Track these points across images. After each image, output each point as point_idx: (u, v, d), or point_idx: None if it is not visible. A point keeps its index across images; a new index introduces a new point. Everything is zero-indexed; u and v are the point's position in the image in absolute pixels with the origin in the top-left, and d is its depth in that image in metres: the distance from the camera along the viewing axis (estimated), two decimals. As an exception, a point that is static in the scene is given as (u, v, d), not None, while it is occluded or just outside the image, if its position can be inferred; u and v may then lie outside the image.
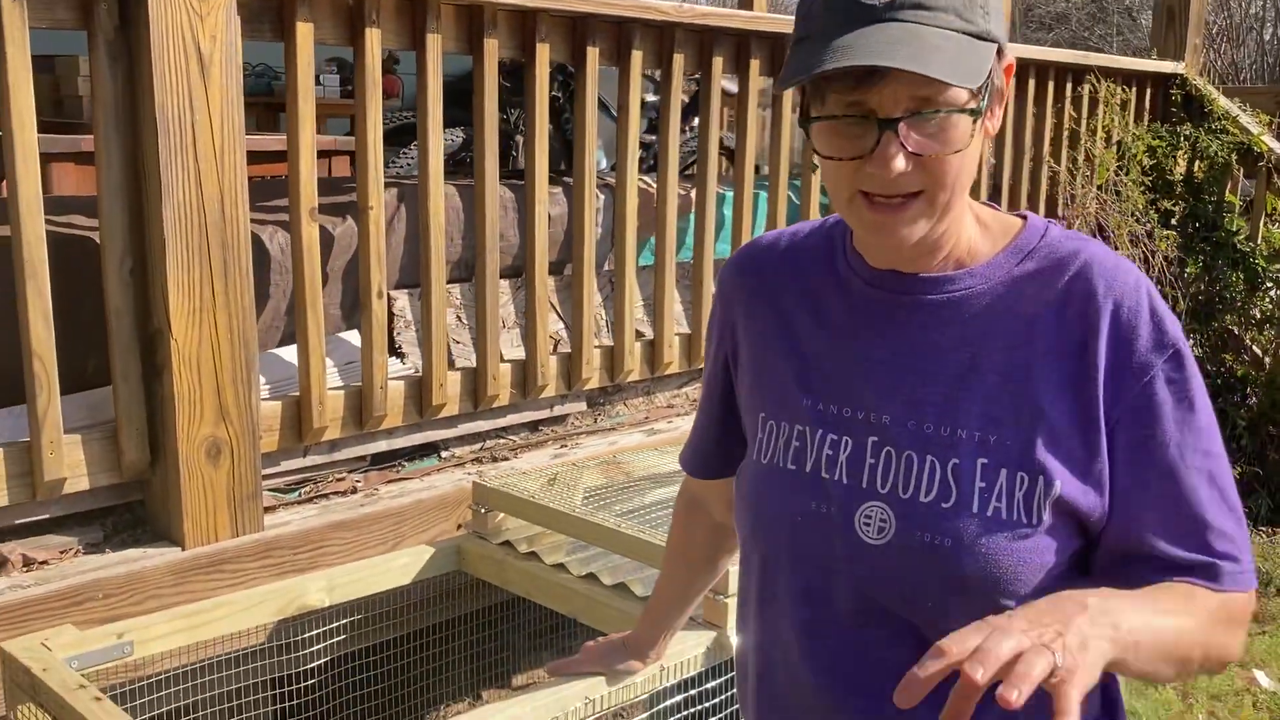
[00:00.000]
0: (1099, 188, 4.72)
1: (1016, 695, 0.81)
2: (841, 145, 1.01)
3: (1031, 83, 4.35)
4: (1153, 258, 4.74)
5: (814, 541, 1.12)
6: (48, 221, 2.41)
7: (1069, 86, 4.56)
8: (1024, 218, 1.14)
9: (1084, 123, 4.64)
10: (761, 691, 1.23)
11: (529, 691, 1.71)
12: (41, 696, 1.69)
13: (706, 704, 1.92)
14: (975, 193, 4.19)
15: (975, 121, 1.01)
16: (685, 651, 1.82)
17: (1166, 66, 5.14)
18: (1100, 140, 4.74)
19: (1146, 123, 5.07)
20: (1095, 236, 4.67)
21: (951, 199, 1.03)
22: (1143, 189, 4.81)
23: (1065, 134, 4.58)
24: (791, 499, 1.13)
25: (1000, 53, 1.04)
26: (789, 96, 3.40)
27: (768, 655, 1.21)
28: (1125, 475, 1.05)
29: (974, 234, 1.12)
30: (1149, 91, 5.10)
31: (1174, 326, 1.07)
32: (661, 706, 1.90)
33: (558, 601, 2.13)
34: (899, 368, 1.10)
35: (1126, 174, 4.80)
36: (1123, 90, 4.80)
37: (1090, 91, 4.64)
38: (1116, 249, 4.63)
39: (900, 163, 0.99)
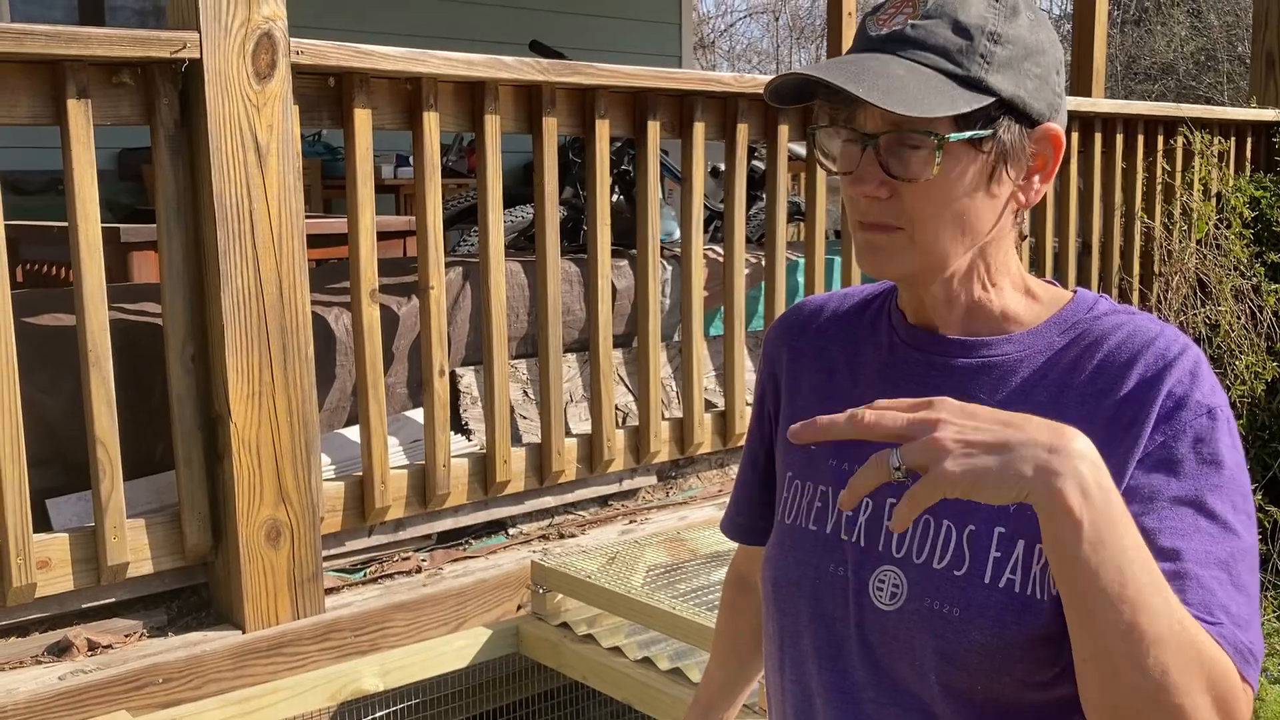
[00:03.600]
0: (1198, 242, 4.53)
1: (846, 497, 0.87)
2: (842, 160, 1.05)
3: (1119, 137, 4.22)
4: (1260, 313, 4.52)
5: (830, 605, 1.09)
6: (121, 309, 2.49)
7: (1160, 139, 4.41)
8: (1075, 292, 1.11)
9: (1179, 176, 4.47)
10: None
11: (573, 784, 1.65)
12: (89, 786, 1.69)
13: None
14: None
15: (954, 153, 0.99)
16: (739, 742, 1.74)
17: (1267, 114, 4.94)
18: (1198, 193, 4.57)
19: (1248, 173, 4.87)
20: (1195, 293, 4.48)
21: (936, 243, 1.02)
22: (1246, 242, 4.60)
23: (1159, 188, 4.43)
24: (809, 560, 1.11)
25: (1016, 113, 1.01)
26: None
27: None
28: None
29: (1016, 302, 1.09)
30: (1249, 140, 4.91)
31: (1213, 389, 1.00)
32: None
33: (612, 687, 2.07)
34: None
35: (1228, 227, 4.61)
36: (1219, 140, 4.62)
37: (1184, 143, 4.48)
38: (1219, 305, 4.43)
39: (871, 183, 1.00)
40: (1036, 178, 1.05)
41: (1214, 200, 4.64)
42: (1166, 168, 4.46)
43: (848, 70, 0.98)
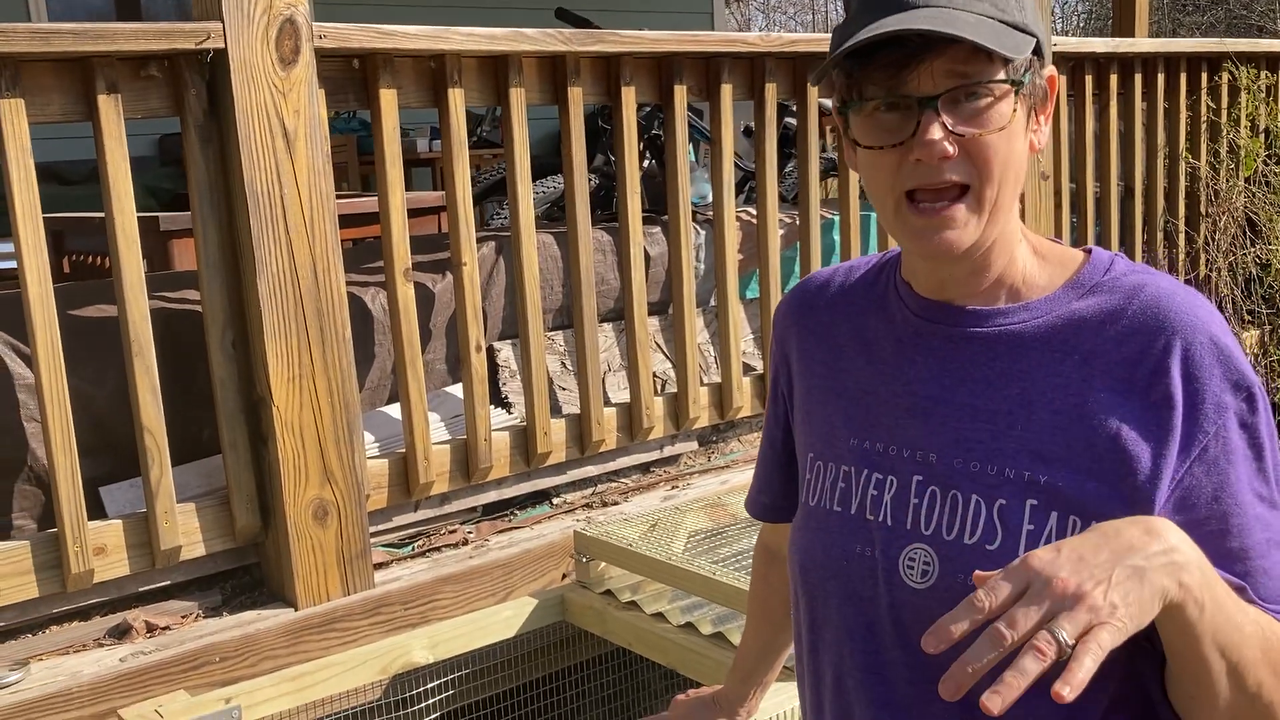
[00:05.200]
0: (1246, 180, 4.43)
1: (999, 701, 0.78)
2: (881, 135, 0.98)
3: (1161, 76, 4.13)
4: (1313, 250, 4.42)
5: (860, 586, 1.08)
6: (163, 298, 2.53)
7: (1204, 76, 4.31)
8: (1088, 252, 1.09)
9: (1224, 113, 4.37)
10: None
11: (618, 751, 1.68)
12: (151, 763, 1.75)
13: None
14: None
15: (1017, 99, 0.98)
16: (781, 704, 1.76)
17: (1317, 45, 4.80)
18: (1245, 129, 4.46)
19: (1298, 106, 4.74)
20: (1244, 232, 4.39)
21: (999, 197, 1.00)
22: (1297, 178, 4.49)
23: (1204, 126, 4.33)
24: (836, 542, 1.10)
25: (1040, 55, 1.02)
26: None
27: (815, 705, 1.17)
28: (1187, 519, 0.97)
29: (1030, 265, 1.07)
30: (1298, 73, 4.77)
31: (1245, 365, 1.00)
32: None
33: (656, 652, 2.10)
34: (946, 404, 1.06)
35: (1277, 163, 4.49)
36: (1266, 75, 4.50)
37: (1229, 79, 4.37)
38: (1269, 244, 4.34)
39: (942, 140, 0.95)
40: (1042, 119, 1.05)
41: (1262, 136, 4.52)
42: (1211, 105, 4.35)
43: (909, 24, 0.94)
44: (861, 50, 0.97)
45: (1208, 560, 0.87)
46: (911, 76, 0.96)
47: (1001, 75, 0.97)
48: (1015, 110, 0.98)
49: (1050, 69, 1.05)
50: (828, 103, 3.74)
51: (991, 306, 1.06)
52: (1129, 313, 1.01)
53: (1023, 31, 0.98)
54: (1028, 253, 1.07)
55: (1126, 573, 0.82)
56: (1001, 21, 0.97)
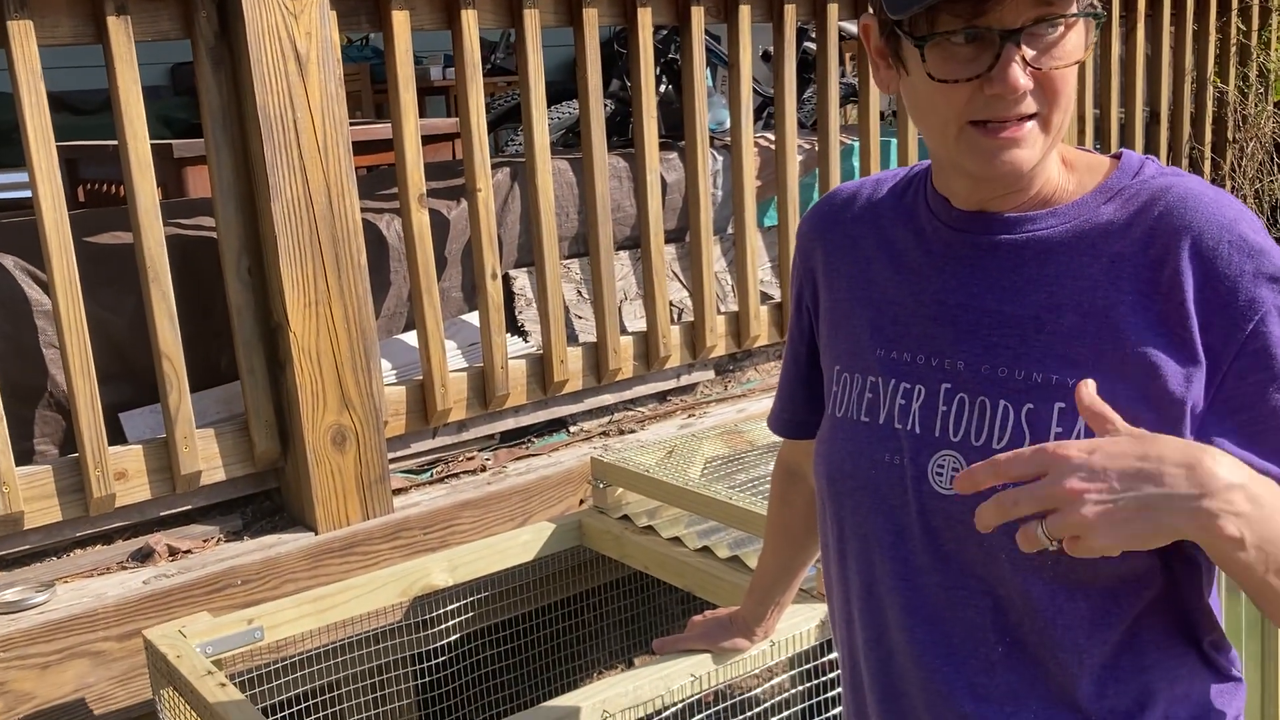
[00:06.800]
0: (1275, 105, 4.35)
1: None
2: (955, 67, 0.95)
3: (1190, -2, 4.04)
4: (1342, 177, 4.35)
5: (889, 494, 1.08)
6: (178, 225, 2.53)
7: (1234, -2, 4.21)
8: (1118, 156, 1.08)
9: (1254, 35, 4.27)
10: (841, 644, 1.21)
11: (634, 669, 1.70)
12: (176, 681, 1.78)
13: (826, 677, 1.86)
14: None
15: (1097, 27, 0.97)
16: (797, 625, 1.77)
17: (1352, -36, 4.67)
18: (1275, 52, 4.36)
19: (1330, 29, 4.63)
20: (1272, 158, 4.31)
21: (1065, 121, 1.00)
22: (1327, 102, 4.40)
23: (1233, 49, 4.23)
24: (864, 452, 1.10)
25: None
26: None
27: (845, 614, 1.18)
28: (1239, 420, 0.96)
29: (1058, 173, 1.06)
30: (1331, -6, 4.65)
31: (1277, 255, 0.97)
32: (777, 681, 1.86)
33: (673, 575, 2.11)
34: (974, 311, 1.05)
35: (1307, 87, 4.40)
36: (1299, -5, 4.39)
37: (1260, 0, 4.26)
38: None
39: (1024, 78, 0.94)
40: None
41: (1293, 60, 4.43)
42: (1241, 27, 4.26)
43: None
44: None
45: (1252, 471, 0.85)
46: (995, 7, 0.92)
47: (1075, 7, 0.95)
48: (1085, 39, 0.97)
49: None
50: (849, 27, 3.67)
51: (1019, 213, 1.05)
52: (1154, 214, 1.00)
53: None
54: (1057, 161, 1.06)
55: (1137, 504, 0.82)
56: None
